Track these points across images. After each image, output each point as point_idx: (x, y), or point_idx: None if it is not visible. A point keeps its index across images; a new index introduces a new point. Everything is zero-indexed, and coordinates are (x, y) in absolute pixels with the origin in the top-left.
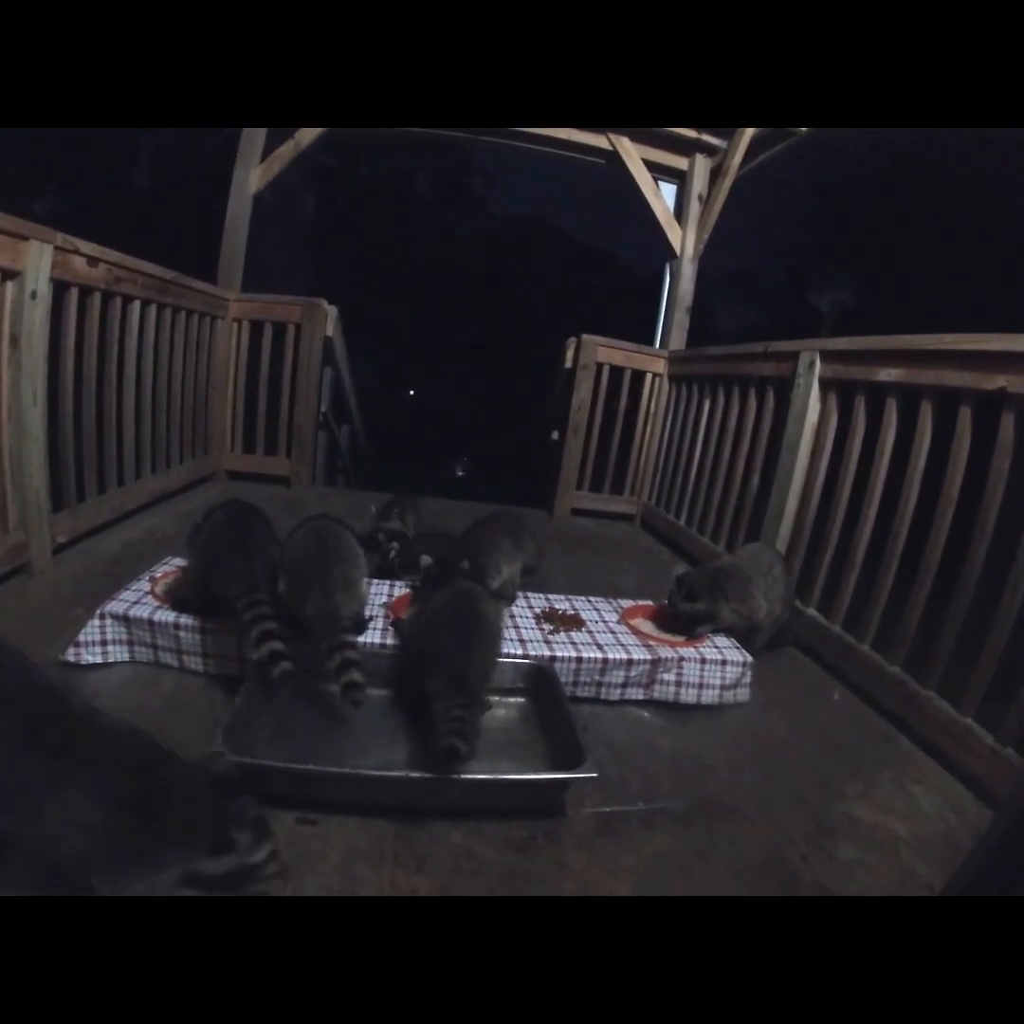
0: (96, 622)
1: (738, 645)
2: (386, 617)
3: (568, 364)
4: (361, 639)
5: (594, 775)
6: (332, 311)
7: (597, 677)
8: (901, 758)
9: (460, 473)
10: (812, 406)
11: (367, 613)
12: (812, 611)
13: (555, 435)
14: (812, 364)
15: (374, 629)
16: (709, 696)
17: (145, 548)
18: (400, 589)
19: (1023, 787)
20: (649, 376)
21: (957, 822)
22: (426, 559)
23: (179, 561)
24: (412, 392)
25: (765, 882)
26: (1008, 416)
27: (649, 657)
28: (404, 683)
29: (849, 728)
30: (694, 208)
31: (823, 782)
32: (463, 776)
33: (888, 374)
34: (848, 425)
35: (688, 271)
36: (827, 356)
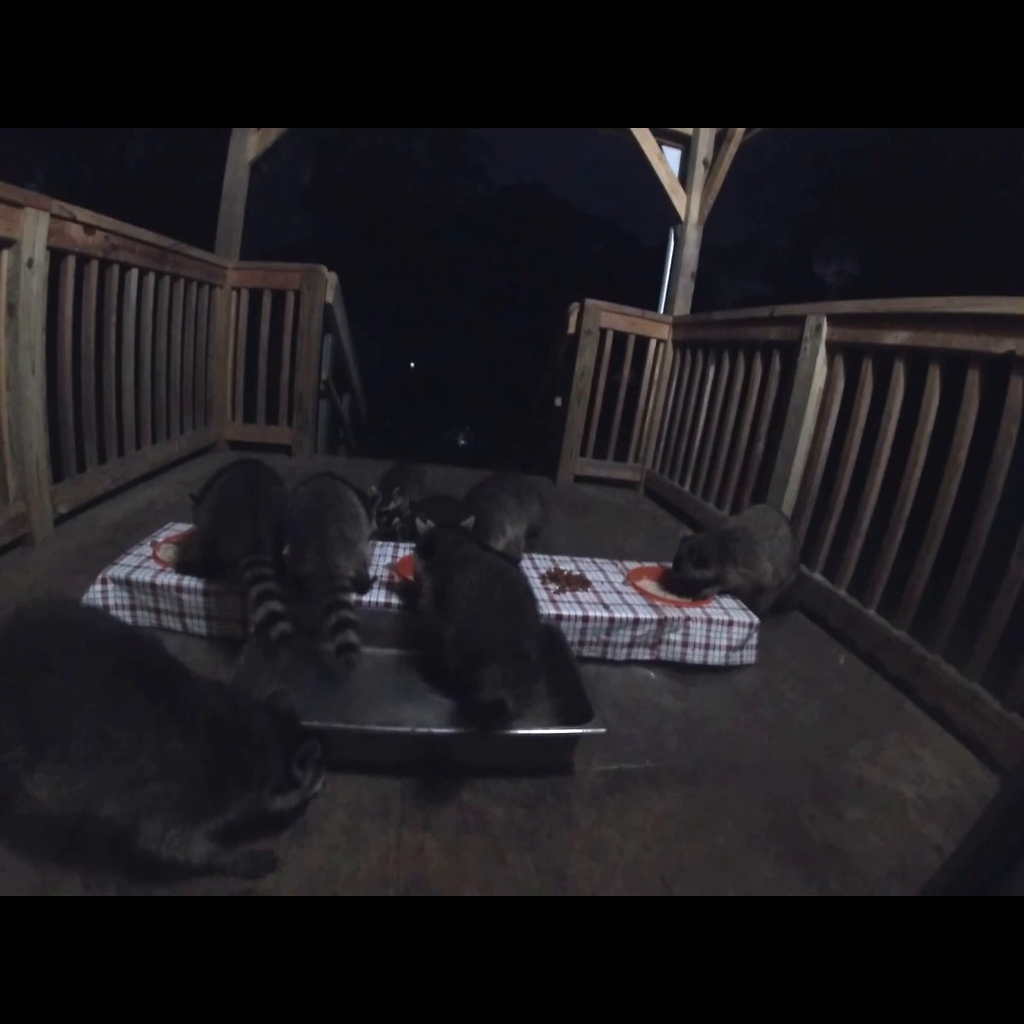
0: (98, 587)
1: (744, 607)
2: (390, 578)
3: (571, 330)
4: (365, 598)
5: (603, 731)
6: (332, 278)
7: (603, 637)
8: (907, 722)
9: (462, 442)
10: (818, 370)
11: (372, 573)
12: (818, 576)
13: (558, 401)
14: (819, 328)
15: (379, 588)
16: (716, 657)
17: (147, 517)
18: (404, 550)
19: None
20: (653, 342)
21: (963, 786)
22: (429, 524)
23: (181, 526)
24: (413, 364)
25: (774, 842)
26: (1017, 380)
27: (655, 617)
28: (436, 663)
29: (855, 692)
30: (699, 173)
31: (830, 744)
32: (471, 731)
33: (896, 337)
34: (855, 389)
35: (693, 237)
36: (834, 320)
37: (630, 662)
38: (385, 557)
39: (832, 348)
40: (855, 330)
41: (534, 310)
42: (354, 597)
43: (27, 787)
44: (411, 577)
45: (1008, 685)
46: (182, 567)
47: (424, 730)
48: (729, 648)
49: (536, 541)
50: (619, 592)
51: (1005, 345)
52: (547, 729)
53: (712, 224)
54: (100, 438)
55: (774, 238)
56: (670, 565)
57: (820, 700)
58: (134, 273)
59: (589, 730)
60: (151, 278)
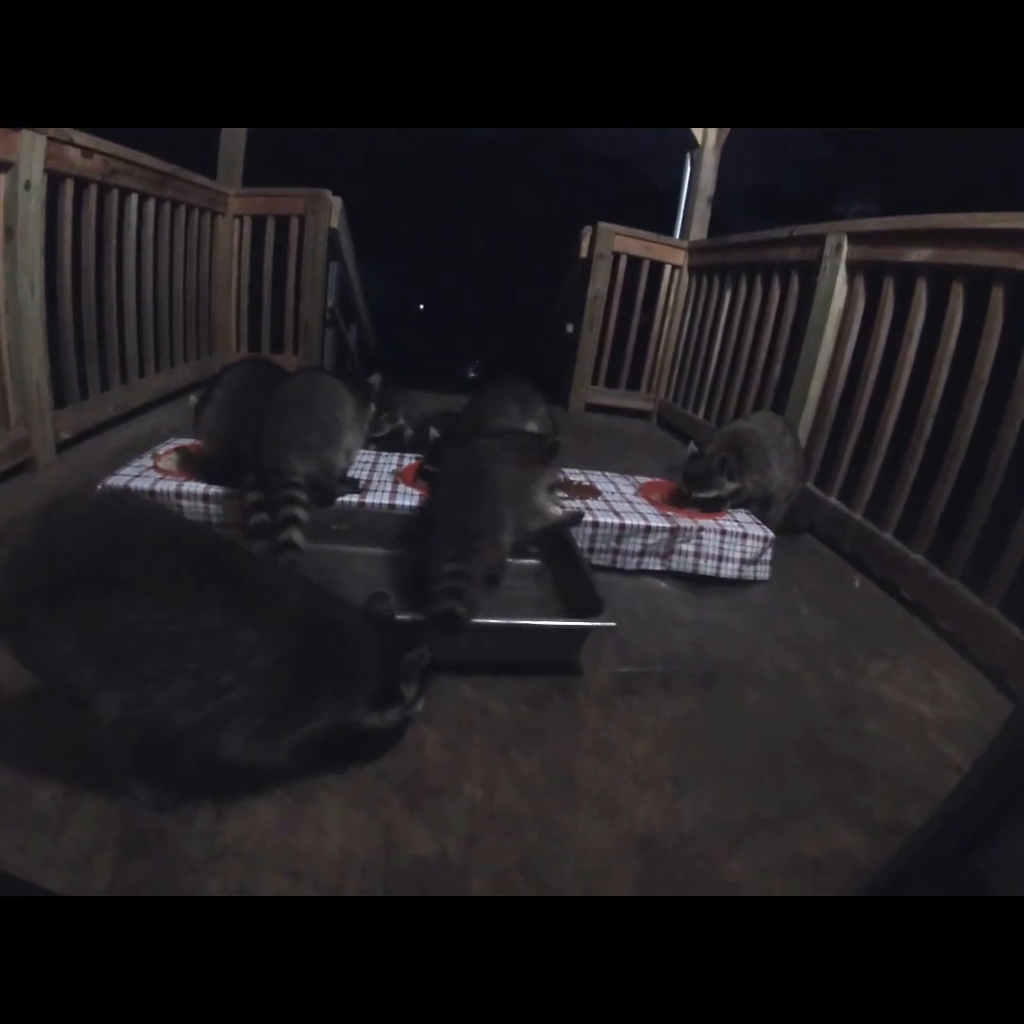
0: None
1: (759, 521)
2: (395, 484)
3: (584, 254)
4: (368, 500)
5: (612, 625)
6: (337, 202)
7: (613, 544)
8: (923, 645)
9: (472, 374)
10: (838, 290)
11: (369, 477)
12: (833, 500)
13: (570, 328)
14: (839, 247)
15: (382, 491)
16: (729, 569)
17: (152, 443)
18: (409, 459)
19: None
20: (668, 268)
21: (982, 711)
22: (433, 432)
23: (182, 440)
24: (422, 306)
25: (790, 751)
26: None
27: (667, 525)
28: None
29: (871, 613)
30: None
31: (846, 660)
32: (476, 620)
33: (918, 255)
34: (875, 309)
35: (709, 161)
36: (855, 238)
37: (641, 572)
38: (391, 464)
39: (853, 267)
40: (876, 248)
41: (547, 251)
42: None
43: (96, 708)
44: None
45: None
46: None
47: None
48: (743, 561)
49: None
50: (630, 502)
51: None
52: (554, 621)
53: (730, 170)
54: (102, 365)
55: (792, 184)
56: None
57: (835, 619)
58: (134, 198)
59: (598, 622)
60: (151, 204)
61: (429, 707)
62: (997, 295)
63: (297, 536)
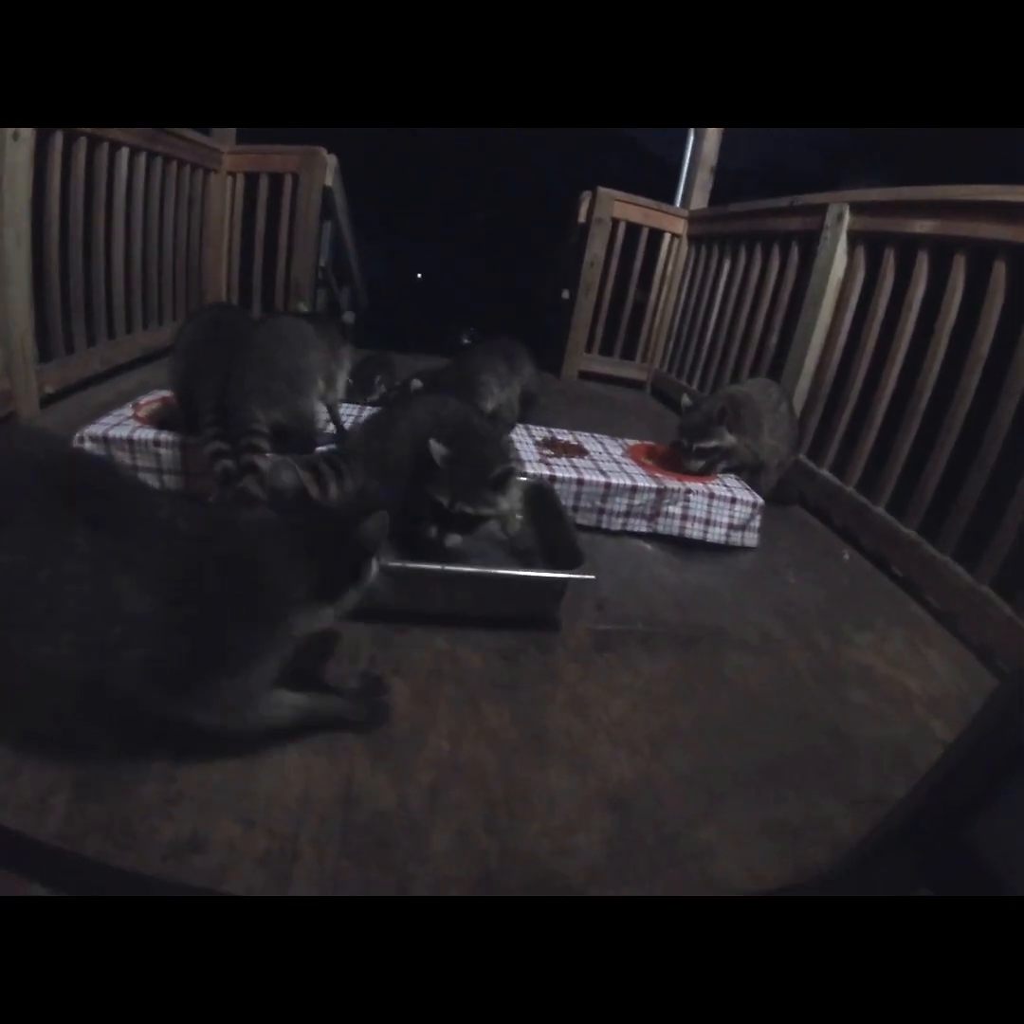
0: (75, 446)
1: (748, 486)
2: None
3: (582, 219)
4: None
5: (591, 577)
6: (331, 160)
7: (598, 503)
8: (913, 620)
9: (466, 341)
10: (838, 259)
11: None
12: (825, 472)
13: (566, 294)
14: (841, 216)
15: None
16: (716, 534)
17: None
18: None
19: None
20: (667, 236)
21: (970, 689)
22: (416, 383)
23: (165, 392)
24: (420, 275)
25: (772, 714)
26: None
27: (654, 486)
28: None
29: (861, 586)
30: None
31: (833, 630)
32: (448, 567)
33: (921, 226)
34: (875, 281)
35: (713, 131)
36: (857, 208)
37: (626, 533)
38: None
39: (854, 237)
40: (879, 219)
41: (546, 220)
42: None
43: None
44: None
45: (1020, 589)
46: (162, 424)
47: (397, 564)
48: (730, 526)
49: (534, 411)
50: (617, 461)
51: None
52: (532, 572)
53: (735, 149)
54: (89, 320)
55: (798, 162)
56: (672, 444)
57: (823, 590)
58: (124, 152)
59: (577, 575)
60: (142, 158)
61: (398, 658)
62: (999, 269)
63: (253, 485)
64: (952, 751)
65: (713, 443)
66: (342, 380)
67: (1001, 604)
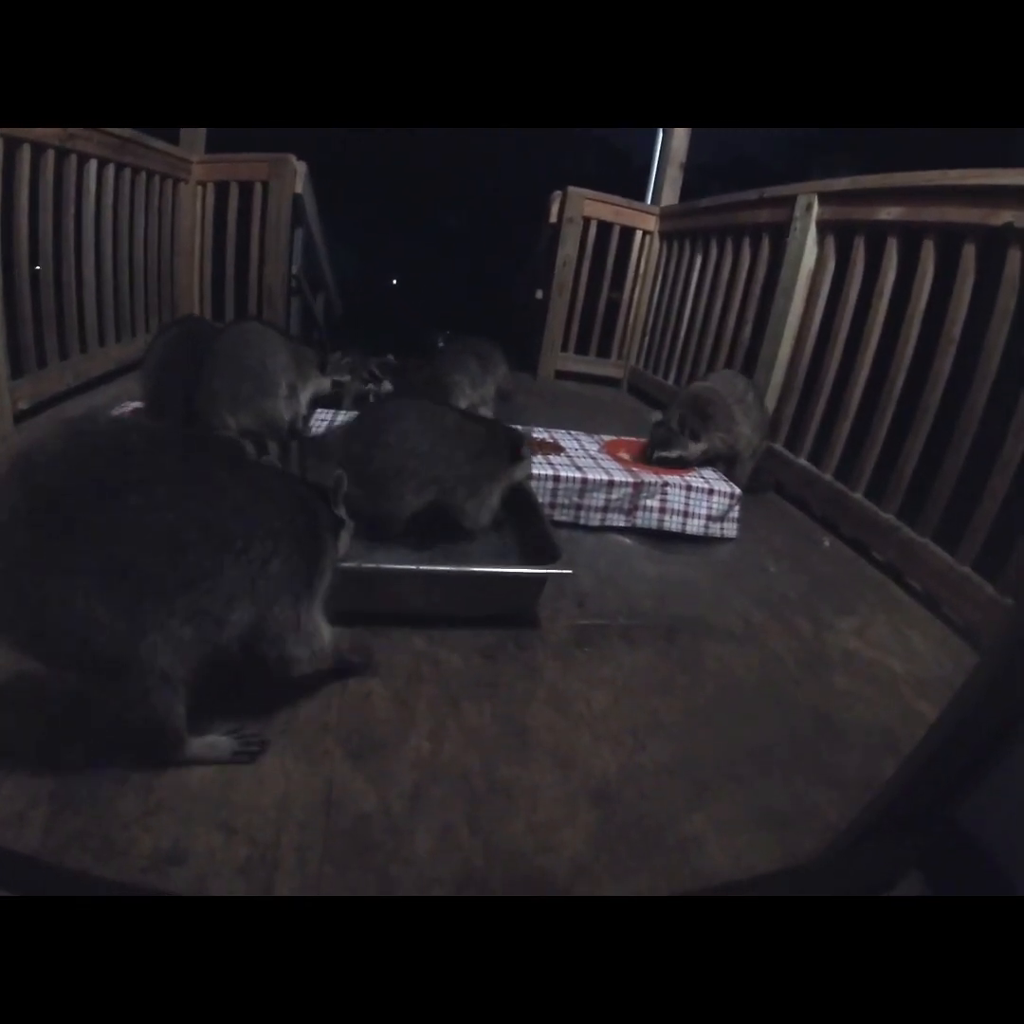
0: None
1: (725, 478)
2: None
3: (553, 219)
4: None
5: (569, 571)
6: (301, 167)
7: (576, 499)
8: (895, 604)
9: (441, 344)
10: (809, 250)
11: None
12: (803, 461)
13: (539, 294)
14: (809, 206)
15: None
16: (695, 526)
17: (112, 410)
18: None
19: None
20: (639, 233)
21: (955, 669)
22: (387, 385)
23: (137, 403)
24: (395, 281)
25: (757, 703)
26: (1014, 252)
27: (631, 480)
28: None
29: (841, 572)
30: None
31: (815, 616)
32: (424, 567)
33: (889, 213)
34: (845, 269)
35: (682, 128)
36: (825, 198)
37: (605, 528)
38: None
39: (823, 227)
40: (847, 207)
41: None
42: None
43: (137, 664)
44: None
45: (1001, 569)
46: None
47: (371, 565)
48: (709, 518)
49: (509, 409)
50: (593, 457)
51: (1003, 216)
52: (508, 568)
53: (706, 143)
54: (61, 334)
55: (771, 158)
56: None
57: (805, 577)
58: (93, 164)
59: (554, 570)
60: (111, 169)
61: (377, 661)
62: (969, 251)
63: None
64: (937, 729)
65: (676, 452)
66: (307, 395)
67: (983, 584)
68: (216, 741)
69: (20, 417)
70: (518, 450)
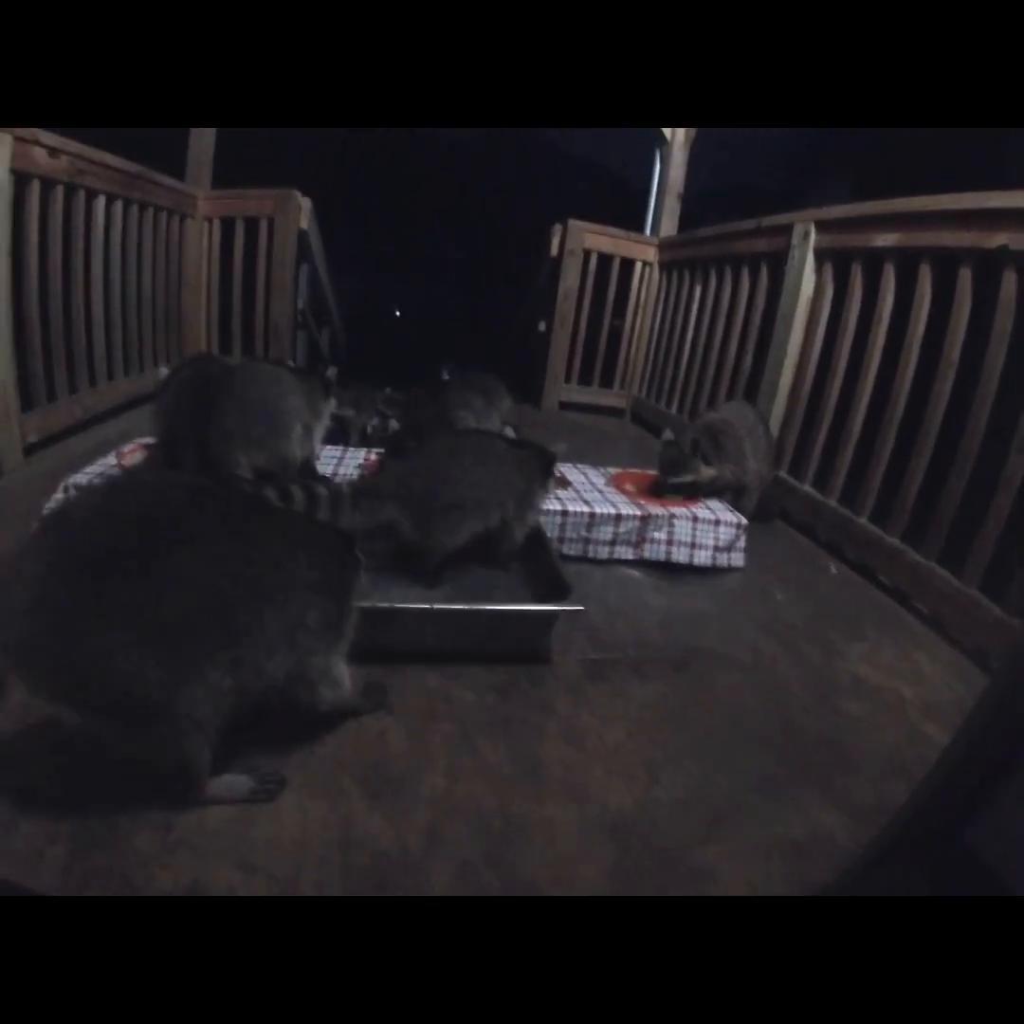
0: (59, 495)
1: (732, 508)
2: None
3: (554, 252)
4: None
5: (580, 608)
6: (306, 203)
7: (584, 533)
8: (903, 627)
9: (446, 377)
10: (807, 278)
11: (334, 472)
12: (807, 487)
13: (542, 326)
14: (807, 235)
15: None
16: (702, 557)
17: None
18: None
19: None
20: (639, 264)
21: (964, 691)
22: (393, 424)
23: (146, 440)
24: (398, 312)
25: (768, 733)
26: (1010, 274)
27: (638, 513)
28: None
29: (848, 598)
30: None
31: (823, 643)
32: (438, 606)
33: (885, 239)
34: (844, 296)
35: (679, 158)
36: (822, 226)
37: (612, 561)
38: (357, 459)
39: (820, 255)
40: (843, 235)
41: (520, 253)
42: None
43: (168, 714)
44: None
45: (1007, 590)
46: None
47: (385, 604)
48: (716, 548)
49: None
50: (601, 491)
51: (997, 239)
52: (522, 605)
53: (701, 169)
54: (70, 368)
55: (765, 181)
56: (655, 471)
57: (812, 604)
58: (101, 200)
59: (566, 607)
60: (119, 205)
61: (391, 698)
62: (965, 275)
63: None
64: (948, 752)
65: (688, 478)
66: (319, 434)
67: (990, 605)
68: (234, 781)
69: (30, 450)
70: (551, 468)
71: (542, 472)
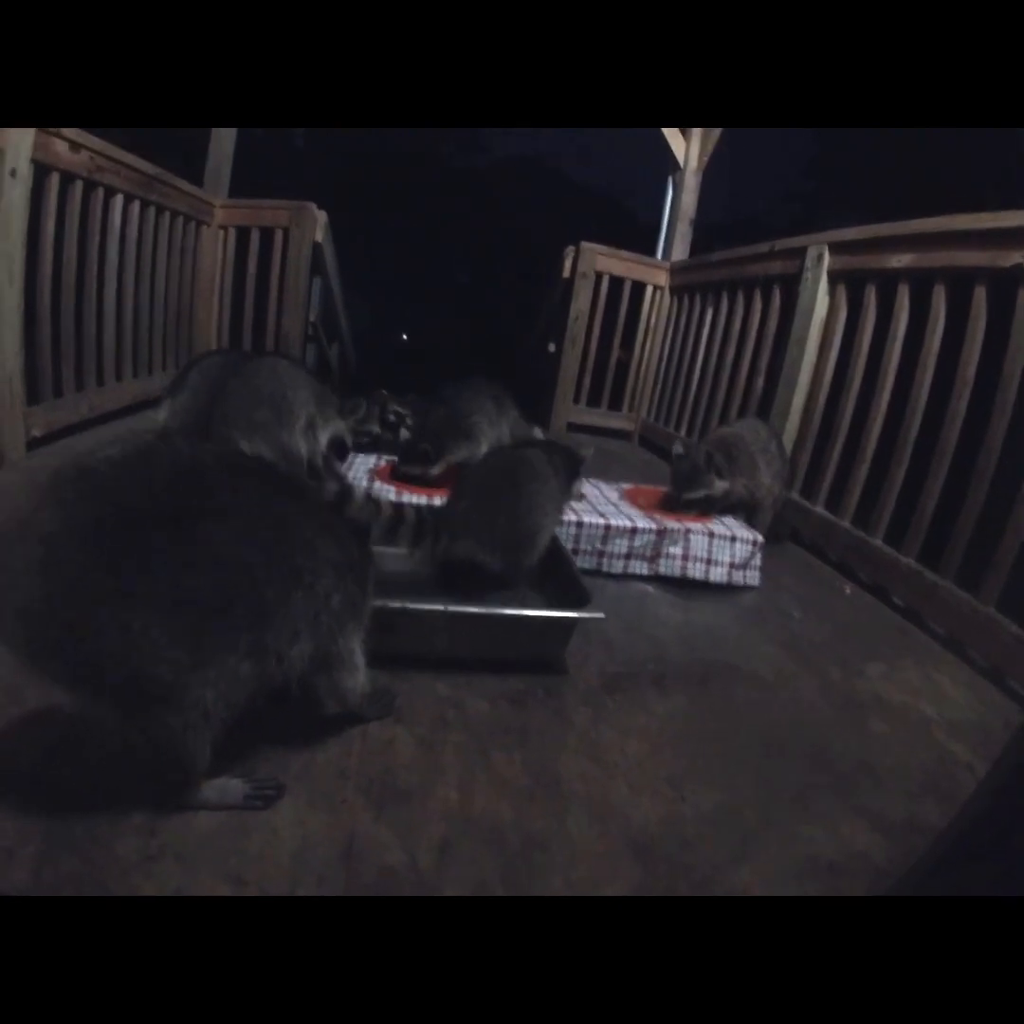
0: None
1: (747, 525)
2: (371, 480)
3: (566, 274)
4: None
5: (600, 615)
6: (321, 216)
7: (599, 546)
8: (921, 648)
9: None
10: (820, 300)
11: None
12: (820, 509)
13: (552, 348)
14: (820, 257)
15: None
16: (717, 574)
17: None
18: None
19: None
20: (650, 288)
21: (987, 711)
22: (405, 433)
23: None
24: (406, 336)
25: (793, 749)
26: None
27: (654, 526)
28: None
29: (864, 619)
30: None
31: (843, 662)
32: (452, 608)
33: (899, 260)
34: (858, 318)
35: (691, 183)
36: (836, 248)
37: (628, 576)
38: (367, 464)
39: (834, 277)
40: (858, 257)
41: (529, 280)
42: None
43: (181, 700)
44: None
45: None
46: None
47: (397, 604)
48: (732, 565)
49: None
50: (615, 504)
51: (1012, 258)
52: (540, 611)
53: (710, 203)
54: (78, 364)
55: (774, 218)
56: (667, 488)
57: (829, 624)
58: (119, 199)
59: (586, 614)
60: (136, 206)
61: (400, 704)
62: (980, 294)
63: None
64: (986, 783)
65: (702, 493)
66: (325, 435)
67: (1007, 624)
68: (227, 784)
69: (33, 444)
70: (578, 472)
71: (569, 477)
